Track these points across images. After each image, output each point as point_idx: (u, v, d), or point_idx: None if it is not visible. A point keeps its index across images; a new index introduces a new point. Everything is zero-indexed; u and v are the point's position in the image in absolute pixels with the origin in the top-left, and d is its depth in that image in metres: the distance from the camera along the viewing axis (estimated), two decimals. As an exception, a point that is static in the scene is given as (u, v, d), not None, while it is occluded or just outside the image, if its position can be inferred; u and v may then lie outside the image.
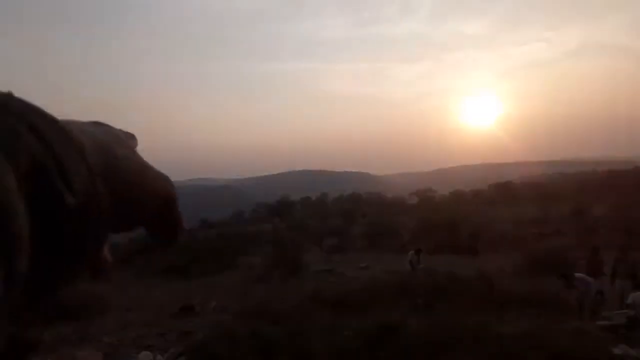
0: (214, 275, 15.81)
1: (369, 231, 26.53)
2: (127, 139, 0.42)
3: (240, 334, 7.32)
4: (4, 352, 0.27)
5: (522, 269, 14.06)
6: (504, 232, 23.87)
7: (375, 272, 15.50)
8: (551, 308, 9.04)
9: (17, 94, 0.30)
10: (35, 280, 0.26)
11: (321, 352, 6.58)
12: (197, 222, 40.82)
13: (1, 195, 0.24)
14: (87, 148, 0.32)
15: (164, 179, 0.40)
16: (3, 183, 0.24)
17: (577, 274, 9.69)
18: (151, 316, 10.55)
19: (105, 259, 0.38)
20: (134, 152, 0.39)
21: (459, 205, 42.25)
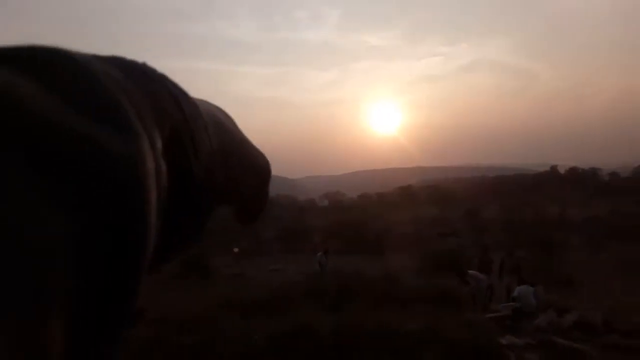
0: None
1: (281, 234, 26.56)
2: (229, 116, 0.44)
3: (144, 343, 6.94)
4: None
5: (423, 267, 14.96)
6: (407, 233, 25.24)
7: (287, 274, 15.56)
8: (448, 303, 9.73)
9: None
10: (157, 248, 0.25)
11: (229, 359, 6.46)
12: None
13: (141, 190, 0.22)
14: (209, 123, 0.32)
15: (262, 154, 0.41)
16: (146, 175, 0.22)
17: (470, 272, 10.54)
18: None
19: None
20: (237, 127, 0.40)
21: (366, 207, 43.88)
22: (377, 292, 10.16)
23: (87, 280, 0.19)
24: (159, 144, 0.25)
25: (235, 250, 20.82)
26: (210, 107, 0.37)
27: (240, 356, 6.55)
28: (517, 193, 52.13)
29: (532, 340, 7.15)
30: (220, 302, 10.00)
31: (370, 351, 6.46)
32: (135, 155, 0.22)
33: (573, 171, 62.10)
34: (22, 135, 0.18)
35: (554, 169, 65.65)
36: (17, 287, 0.16)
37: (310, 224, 29.46)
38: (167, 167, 0.26)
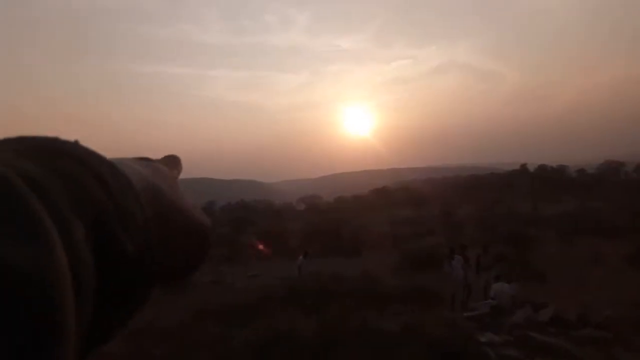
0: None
1: (258, 239, 26.35)
2: (173, 167, 0.43)
3: (122, 356, 6.74)
4: None
5: (401, 266, 15.05)
6: (383, 233, 25.39)
7: (265, 280, 15.41)
8: (427, 302, 9.80)
9: None
10: (91, 335, 0.25)
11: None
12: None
13: (52, 279, 0.21)
14: (142, 194, 0.31)
15: (203, 214, 0.39)
16: (59, 262, 0.22)
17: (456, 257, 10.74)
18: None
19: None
20: (177, 187, 0.38)
21: (343, 210, 43.99)
22: (357, 293, 10.16)
23: None
24: (80, 233, 0.24)
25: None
26: (146, 171, 0.35)
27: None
28: (490, 191, 53.17)
29: (510, 336, 7.25)
30: (196, 311, 9.82)
31: (351, 352, 6.43)
32: (44, 267, 0.21)
33: (542, 169, 63.77)
34: None
35: (523, 167, 67.24)
36: None
37: (287, 227, 29.33)
38: (95, 250, 0.25)
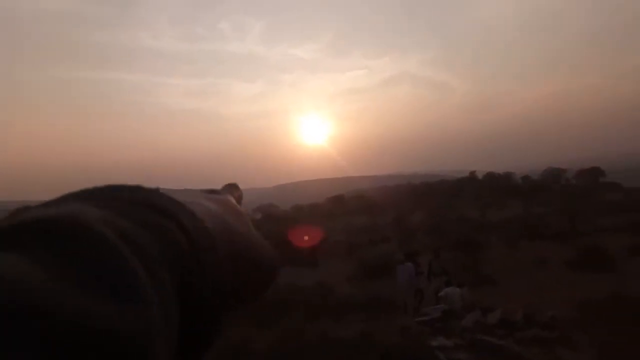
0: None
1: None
2: (236, 196, 0.45)
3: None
4: None
5: (357, 274, 15.18)
6: (340, 241, 25.56)
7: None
8: (382, 309, 9.93)
9: None
10: None
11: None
12: None
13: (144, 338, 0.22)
14: (217, 236, 0.32)
15: (270, 248, 0.40)
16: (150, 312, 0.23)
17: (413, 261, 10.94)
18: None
19: None
20: (246, 222, 0.39)
21: (300, 218, 43.91)
22: (313, 303, 10.15)
23: None
24: (169, 287, 0.25)
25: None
26: (217, 207, 0.36)
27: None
28: (441, 198, 54.73)
29: (460, 340, 7.46)
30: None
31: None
32: (145, 330, 0.22)
33: (490, 175, 66.31)
34: (36, 334, 0.19)
35: (472, 174, 69.72)
36: None
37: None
38: (179, 299, 0.26)
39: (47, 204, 0.26)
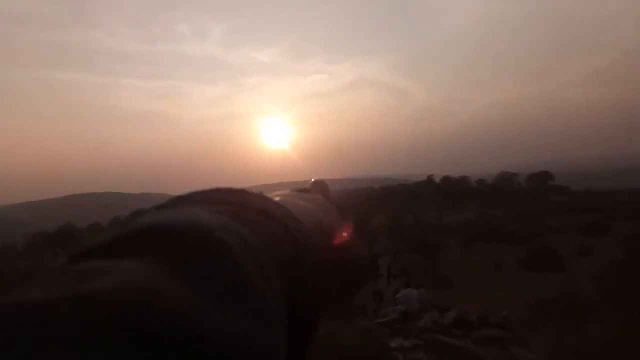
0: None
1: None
2: (325, 194, 0.45)
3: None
4: None
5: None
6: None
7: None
8: (344, 311, 9.92)
9: None
10: None
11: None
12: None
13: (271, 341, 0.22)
14: (316, 238, 0.33)
15: (363, 247, 0.42)
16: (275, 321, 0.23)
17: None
18: None
19: None
20: (339, 223, 0.41)
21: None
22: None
23: None
24: (280, 290, 0.26)
25: None
26: (313, 207, 0.38)
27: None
28: (400, 201, 55.71)
29: (418, 340, 7.55)
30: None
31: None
32: (272, 347, 0.22)
33: (446, 179, 68.07)
34: (164, 340, 0.18)
35: (430, 178, 71.36)
36: None
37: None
38: (286, 302, 0.27)
39: (160, 207, 0.26)
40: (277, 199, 0.33)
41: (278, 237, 0.28)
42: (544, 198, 48.43)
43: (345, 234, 0.39)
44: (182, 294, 0.20)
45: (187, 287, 0.20)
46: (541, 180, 60.60)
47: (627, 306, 7.84)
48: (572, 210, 32.60)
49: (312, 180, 0.47)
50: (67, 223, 46.94)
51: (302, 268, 0.29)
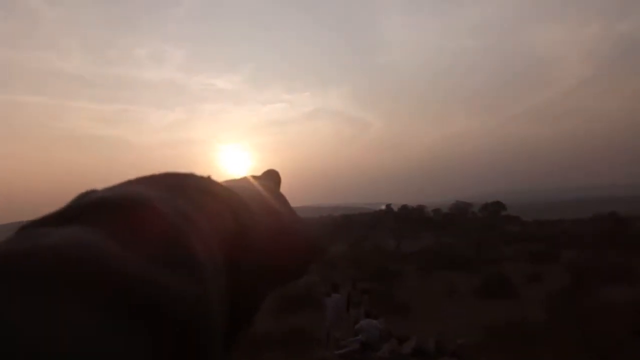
0: None
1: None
2: (275, 182, 0.47)
3: None
4: None
5: (279, 307, 14.95)
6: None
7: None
8: (303, 343, 9.83)
9: None
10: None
11: None
12: None
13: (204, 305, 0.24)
14: (261, 217, 0.35)
15: (311, 228, 0.42)
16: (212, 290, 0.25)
17: (333, 295, 10.92)
18: None
19: None
20: (286, 203, 0.42)
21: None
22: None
23: None
24: (220, 259, 0.28)
25: None
26: (262, 194, 0.40)
27: None
28: (359, 229, 56.19)
29: (377, 370, 7.59)
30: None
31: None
32: (203, 297, 0.24)
33: (404, 208, 69.38)
34: (103, 288, 0.21)
35: (388, 207, 72.57)
36: None
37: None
38: (226, 270, 0.29)
39: (110, 188, 0.29)
40: (228, 184, 0.36)
41: (220, 213, 0.30)
42: (497, 227, 50.17)
43: (291, 218, 0.41)
44: (116, 250, 0.23)
45: (121, 245, 0.23)
46: (494, 210, 62.82)
47: (574, 330, 8.22)
48: (523, 239, 33.91)
49: (266, 170, 0.50)
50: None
51: (244, 242, 0.31)
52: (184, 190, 0.30)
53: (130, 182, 0.30)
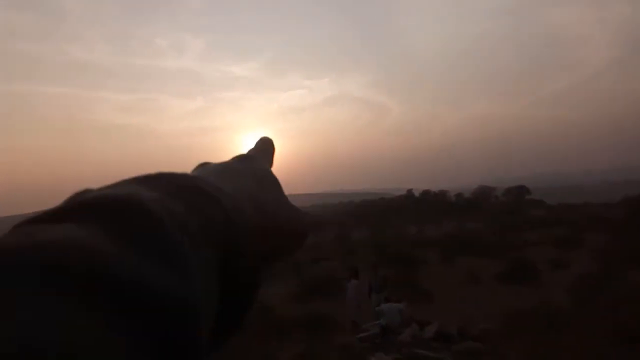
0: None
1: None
2: (266, 156, 0.48)
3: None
4: None
5: (300, 293, 15.14)
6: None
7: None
8: (324, 327, 9.96)
9: None
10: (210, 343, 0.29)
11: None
12: None
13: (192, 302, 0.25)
14: (248, 209, 0.36)
15: (299, 215, 0.43)
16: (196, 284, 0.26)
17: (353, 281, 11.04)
18: None
19: None
20: (277, 190, 0.43)
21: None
22: (255, 324, 9.99)
23: None
24: (212, 262, 0.29)
25: None
26: (252, 185, 0.40)
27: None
28: (380, 215, 56.03)
29: (399, 354, 7.65)
30: None
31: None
32: (190, 297, 0.25)
33: (426, 193, 68.86)
34: (99, 286, 0.22)
35: (409, 192, 72.10)
36: None
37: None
38: (219, 274, 0.30)
39: (105, 187, 0.30)
40: (217, 179, 0.37)
41: (211, 212, 0.31)
42: (521, 211, 49.34)
43: (276, 204, 0.42)
44: (106, 248, 0.23)
45: (112, 244, 0.24)
46: (518, 194, 61.80)
47: (600, 316, 8.10)
48: (548, 224, 33.30)
49: (260, 138, 0.49)
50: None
51: (234, 238, 0.32)
52: (176, 190, 0.31)
53: (124, 182, 0.31)
